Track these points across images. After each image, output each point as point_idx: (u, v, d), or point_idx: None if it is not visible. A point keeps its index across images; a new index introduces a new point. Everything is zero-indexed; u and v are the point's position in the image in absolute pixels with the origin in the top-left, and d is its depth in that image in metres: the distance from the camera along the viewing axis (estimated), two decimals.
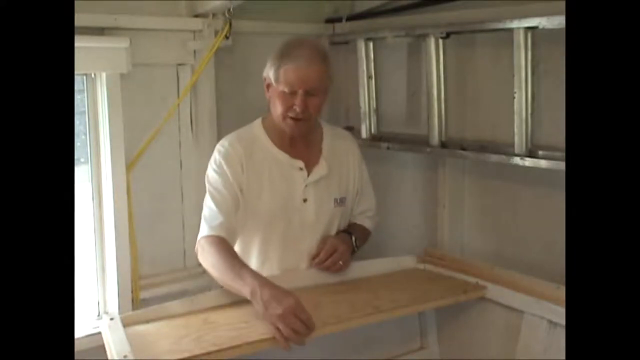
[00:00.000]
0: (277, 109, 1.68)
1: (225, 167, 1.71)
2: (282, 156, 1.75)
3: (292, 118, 1.67)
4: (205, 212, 1.70)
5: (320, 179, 1.77)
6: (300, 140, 1.77)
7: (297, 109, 1.65)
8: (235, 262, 1.58)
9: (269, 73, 1.69)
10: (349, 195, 1.85)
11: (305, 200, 1.75)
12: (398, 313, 1.65)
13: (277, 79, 1.66)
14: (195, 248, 1.71)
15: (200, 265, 2.37)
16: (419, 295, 1.72)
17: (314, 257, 1.75)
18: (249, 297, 1.49)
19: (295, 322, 1.40)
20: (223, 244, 1.63)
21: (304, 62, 1.64)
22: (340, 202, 1.81)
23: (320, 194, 1.77)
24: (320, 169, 1.78)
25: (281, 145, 1.76)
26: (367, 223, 1.93)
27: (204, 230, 1.67)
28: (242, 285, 1.50)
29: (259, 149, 1.75)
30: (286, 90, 1.64)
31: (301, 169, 1.76)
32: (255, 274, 1.54)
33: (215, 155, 1.75)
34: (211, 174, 1.73)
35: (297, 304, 1.43)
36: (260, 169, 1.73)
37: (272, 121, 1.75)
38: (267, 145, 1.76)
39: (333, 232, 1.81)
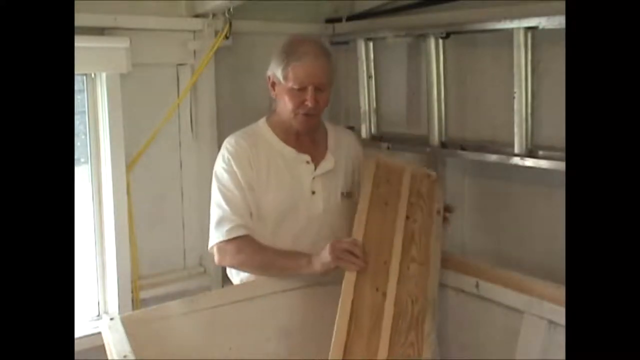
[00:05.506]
0: (287, 106, 1.71)
1: (234, 166, 1.73)
2: (289, 151, 1.78)
3: (303, 114, 1.71)
4: (219, 212, 1.72)
5: (327, 173, 1.80)
6: (306, 137, 1.80)
7: (309, 104, 1.69)
8: (280, 251, 1.70)
9: (275, 72, 1.72)
10: (354, 190, 1.87)
11: (313, 193, 1.78)
12: None
13: (285, 77, 1.69)
14: (211, 248, 1.73)
15: (200, 265, 2.41)
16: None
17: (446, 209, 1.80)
18: (318, 268, 1.60)
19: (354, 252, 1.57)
20: (253, 243, 1.69)
21: (311, 59, 1.68)
22: (347, 195, 1.84)
23: (328, 187, 1.80)
24: (327, 163, 1.81)
25: (287, 142, 1.78)
26: None
27: (220, 233, 1.69)
28: (306, 264, 1.63)
29: (265, 145, 1.77)
30: (296, 87, 1.68)
31: (308, 162, 1.78)
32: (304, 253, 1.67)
33: (224, 153, 1.76)
34: (220, 171, 1.75)
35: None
36: (267, 164, 1.75)
37: (278, 119, 1.78)
38: (273, 141, 1.78)
39: (341, 225, 1.82)
